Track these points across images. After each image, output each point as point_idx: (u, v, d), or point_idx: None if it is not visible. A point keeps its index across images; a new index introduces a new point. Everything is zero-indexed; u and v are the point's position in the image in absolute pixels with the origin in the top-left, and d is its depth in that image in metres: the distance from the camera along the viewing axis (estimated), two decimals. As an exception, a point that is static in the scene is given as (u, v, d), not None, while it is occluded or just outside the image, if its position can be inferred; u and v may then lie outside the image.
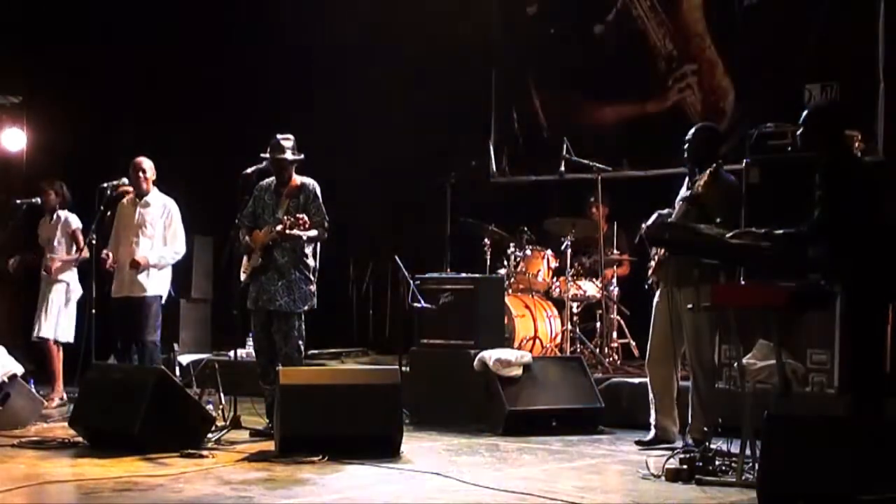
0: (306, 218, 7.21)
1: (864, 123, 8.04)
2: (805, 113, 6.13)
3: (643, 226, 6.98)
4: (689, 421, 6.87)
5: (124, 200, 8.63)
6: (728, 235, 5.89)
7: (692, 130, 7.06)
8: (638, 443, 7.11)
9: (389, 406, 6.75)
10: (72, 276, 9.25)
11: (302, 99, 11.39)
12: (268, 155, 7.50)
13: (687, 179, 7.00)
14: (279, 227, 7.29)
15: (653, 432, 7.09)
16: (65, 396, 8.93)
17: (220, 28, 12.02)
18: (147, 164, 8.52)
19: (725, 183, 6.83)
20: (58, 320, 9.16)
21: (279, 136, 7.52)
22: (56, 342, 9.16)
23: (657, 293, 7.08)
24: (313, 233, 7.39)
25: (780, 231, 5.81)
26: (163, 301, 8.49)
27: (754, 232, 5.90)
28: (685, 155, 7.01)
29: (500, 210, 10.39)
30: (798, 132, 6.06)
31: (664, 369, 7.02)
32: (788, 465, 5.05)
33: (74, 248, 9.26)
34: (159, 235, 8.44)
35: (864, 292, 5.72)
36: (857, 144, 7.05)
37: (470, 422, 7.93)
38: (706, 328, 6.79)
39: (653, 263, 7.06)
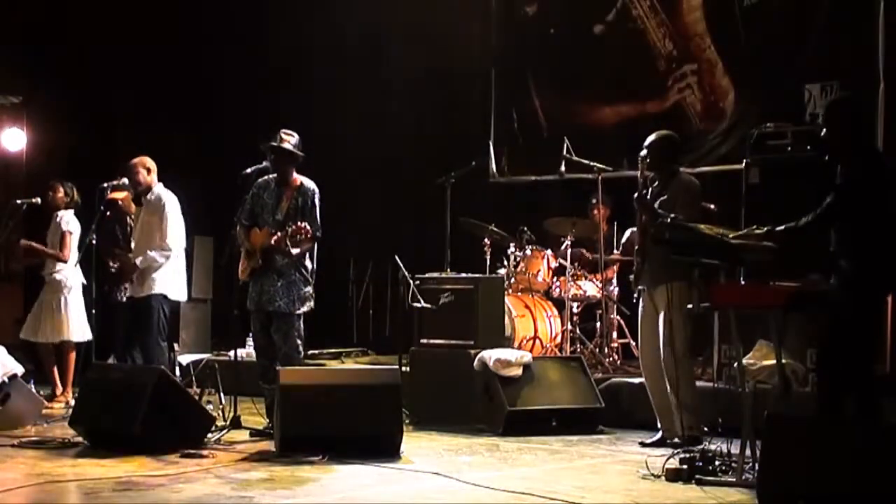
0: (308, 227, 7.18)
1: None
2: (828, 112, 6.11)
3: (626, 233, 7.09)
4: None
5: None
6: (729, 236, 5.90)
7: (650, 138, 7.11)
8: (642, 444, 7.12)
9: (389, 406, 6.75)
10: (63, 273, 9.21)
11: (302, 99, 11.39)
12: (268, 144, 7.45)
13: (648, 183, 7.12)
14: (278, 236, 7.26)
15: (659, 433, 7.10)
16: (72, 401, 8.86)
17: (220, 27, 12.03)
18: (139, 163, 8.37)
19: (683, 183, 6.98)
20: (68, 321, 9.13)
21: (283, 131, 7.51)
22: (74, 343, 9.11)
23: (641, 298, 7.16)
24: (299, 250, 7.36)
25: (782, 227, 5.82)
26: (167, 300, 8.31)
27: (755, 232, 5.91)
28: (641, 161, 7.07)
29: (500, 210, 10.38)
30: (824, 129, 6.01)
31: (657, 371, 7.03)
32: (788, 465, 5.05)
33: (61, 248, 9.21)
34: (156, 232, 8.34)
35: (866, 291, 5.72)
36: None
37: (470, 422, 7.93)
38: (680, 326, 6.80)
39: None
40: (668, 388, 6.87)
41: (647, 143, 7.09)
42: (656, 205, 6.86)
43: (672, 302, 6.75)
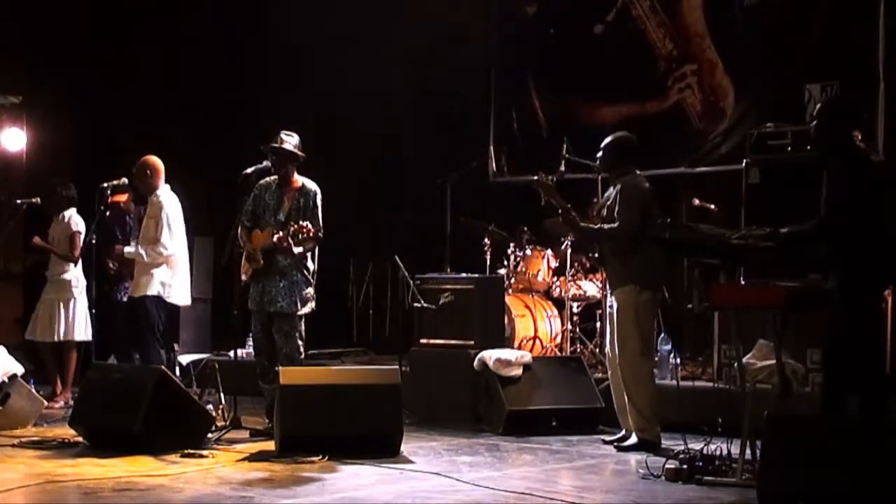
0: (310, 226, 7.18)
1: (864, 123, 8.04)
2: (818, 108, 6.12)
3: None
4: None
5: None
6: (728, 235, 5.89)
7: (606, 140, 7.18)
8: (604, 441, 7.22)
9: (389, 406, 6.75)
10: (72, 273, 9.20)
11: (302, 98, 11.39)
12: (269, 146, 7.44)
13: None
14: (280, 235, 7.26)
15: (622, 432, 7.16)
16: (70, 401, 8.85)
17: (221, 27, 12.02)
18: (147, 163, 8.38)
19: (624, 186, 6.98)
20: (74, 320, 9.11)
21: (283, 132, 7.51)
22: (76, 342, 9.10)
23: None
24: (302, 248, 7.35)
25: (786, 230, 5.81)
26: (162, 301, 8.25)
27: (756, 231, 5.91)
28: (598, 162, 7.26)
29: (500, 210, 10.38)
30: (813, 127, 6.03)
31: (615, 370, 7.15)
32: (788, 465, 5.05)
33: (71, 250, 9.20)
34: (152, 233, 8.31)
35: (860, 290, 5.71)
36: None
37: (470, 422, 7.94)
38: (632, 329, 6.88)
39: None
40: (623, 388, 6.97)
41: (602, 143, 7.17)
42: (604, 209, 7.02)
43: (621, 306, 6.91)
